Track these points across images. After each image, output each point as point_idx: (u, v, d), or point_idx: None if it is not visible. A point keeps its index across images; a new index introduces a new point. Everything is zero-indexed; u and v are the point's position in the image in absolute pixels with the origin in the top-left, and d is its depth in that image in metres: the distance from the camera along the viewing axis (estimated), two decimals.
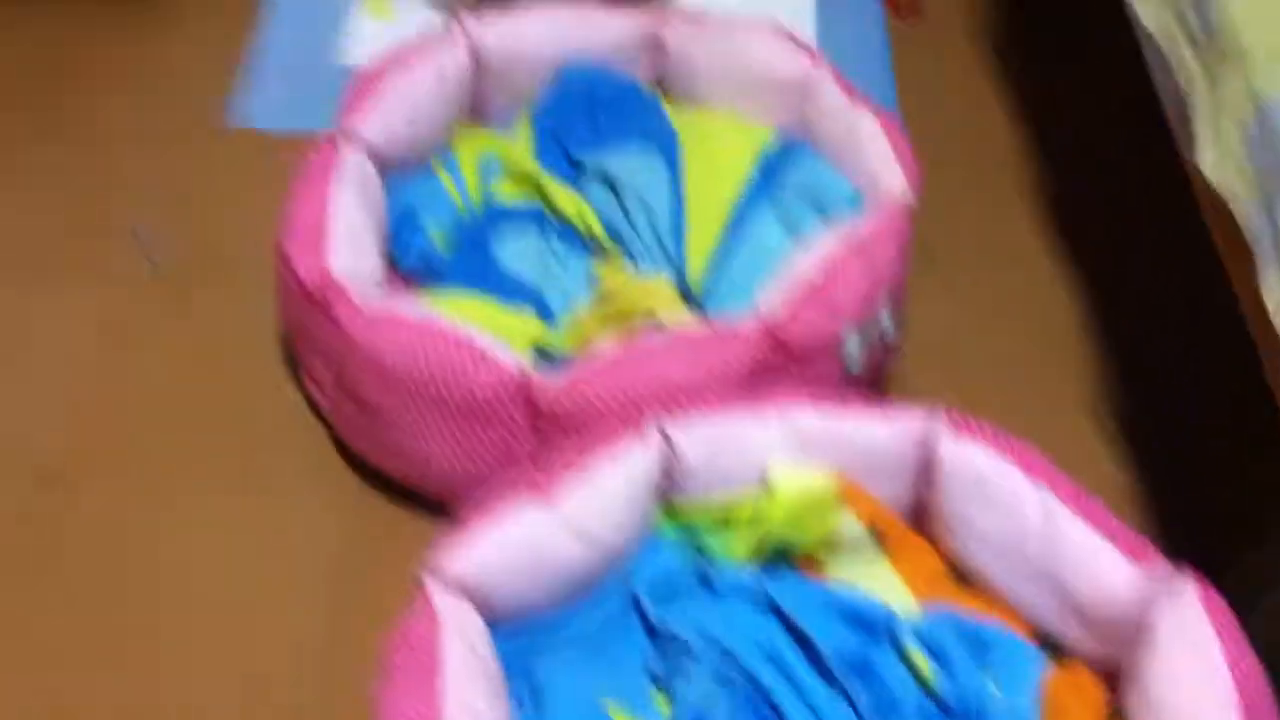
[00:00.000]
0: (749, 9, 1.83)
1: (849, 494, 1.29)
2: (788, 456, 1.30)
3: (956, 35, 2.13)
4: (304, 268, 1.43)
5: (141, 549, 1.45)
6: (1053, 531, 1.21)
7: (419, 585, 1.17)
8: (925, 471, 1.30)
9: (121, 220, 1.77)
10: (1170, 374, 1.66)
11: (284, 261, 1.46)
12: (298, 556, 1.44)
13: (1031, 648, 1.23)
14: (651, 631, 1.25)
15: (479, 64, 1.71)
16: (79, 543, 1.45)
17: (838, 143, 1.62)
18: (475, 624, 1.17)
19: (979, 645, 1.21)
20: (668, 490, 1.32)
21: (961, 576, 1.31)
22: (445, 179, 1.68)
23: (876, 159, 1.56)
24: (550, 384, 1.37)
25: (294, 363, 1.57)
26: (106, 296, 1.68)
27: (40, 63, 1.98)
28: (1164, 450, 1.58)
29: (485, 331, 1.41)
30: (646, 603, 1.24)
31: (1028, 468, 1.24)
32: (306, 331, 1.48)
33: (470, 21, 1.71)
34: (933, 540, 1.33)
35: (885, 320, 1.48)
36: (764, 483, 1.30)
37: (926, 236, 1.72)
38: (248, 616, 1.40)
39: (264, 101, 1.95)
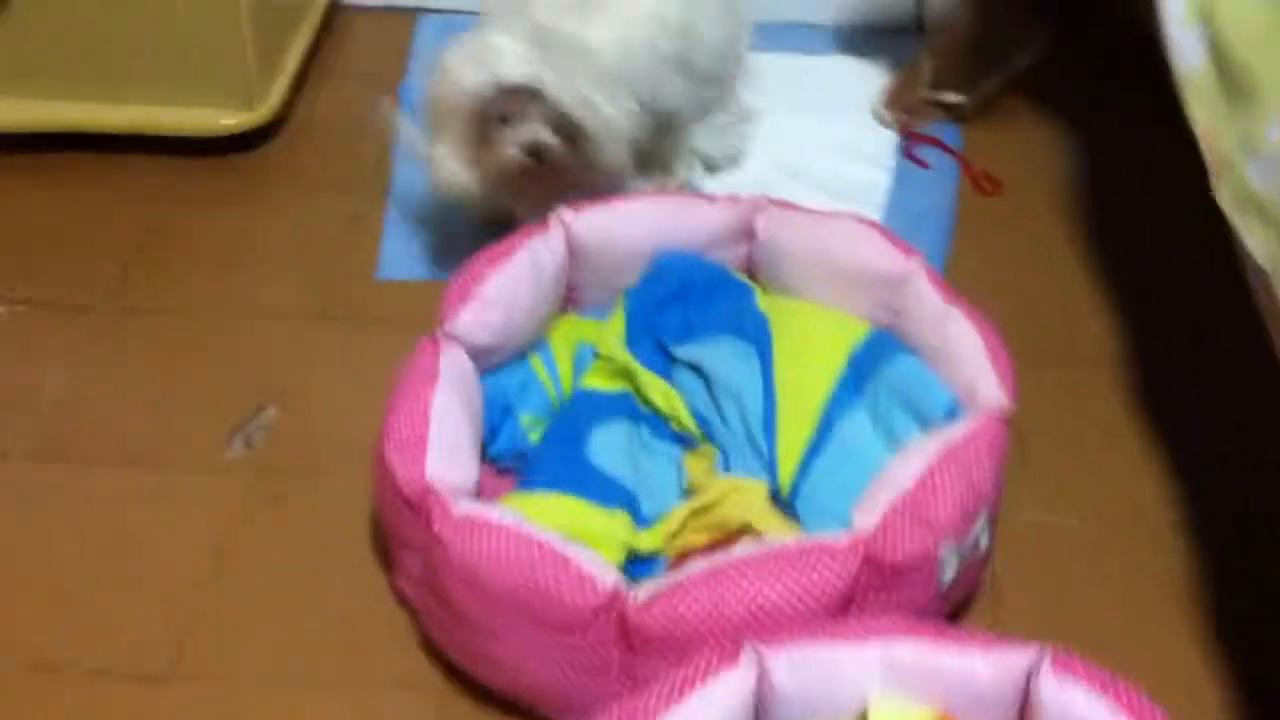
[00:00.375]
0: (824, 170, 2.02)
1: None
2: (886, 689, 1.27)
3: (1037, 211, 2.13)
4: (402, 475, 1.45)
5: None
6: None
7: None
8: (1024, 712, 1.26)
9: (224, 402, 1.80)
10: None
11: (383, 468, 1.48)
12: None
13: None
14: None
15: (574, 254, 1.74)
16: None
17: (932, 343, 1.62)
18: None
19: None
20: (760, 714, 1.30)
21: None
22: (539, 368, 1.70)
23: (973, 365, 1.55)
24: (643, 603, 1.36)
25: (386, 559, 1.58)
26: (210, 486, 1.70)
27: (153, 233, 2.06)
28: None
29: (577, 538, 1.41)
30: None
31: (1135, 715, 1.21)
32: (401, 533, 1.49)
33: (566, 212, 1.75)
34: None
35: (980, 532, 1.46)
36: (862, 712, 1.27)
37: (1018, 425, 1.71)
38: None
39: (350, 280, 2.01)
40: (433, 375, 1.53)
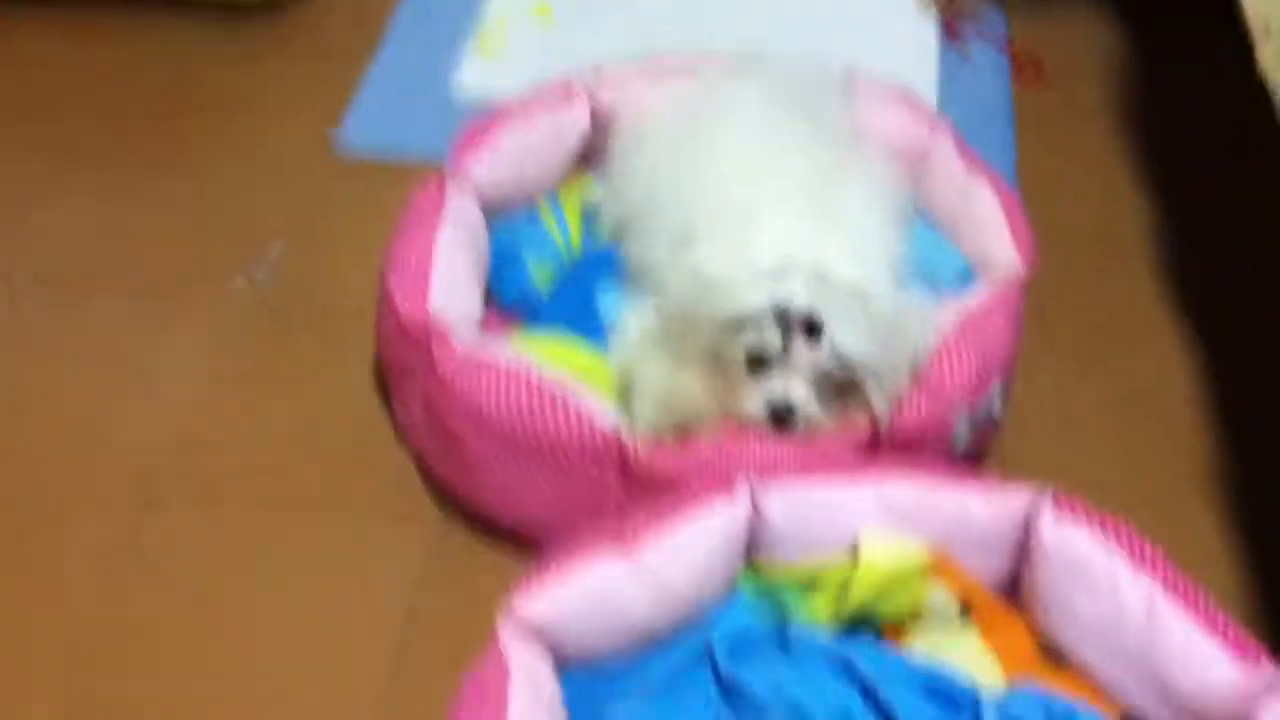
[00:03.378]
0: (871, 63, 1.81)
1: (941, 566, 1.25)
2: (880, 526, 1.26)
3: (1082, 101, 2.10)
4: (405, 308, 1.43)
5: (229, 574, 1.44)
6: (1155, 623, 1.16)
7: (493, 628, 1.15)
8: (1024, 550, 1.25)
9: (232, 247, 1.80)
10: None
11: (386, 300, 1.47)
12: (377, 586, 1.43)
13: None
14: (723, 686, 1.21)
15: (597, 123, 1.72)
16: (172, 565, 1.45)
17: (951, 212, 1.59)
18: (544, 670, 1.14)
19: None
20: (752, 551, 1.28)
21: (1054, 656, 1.25)
22: (550, 222, 1.68)
23: (989, 230, 1.53)
24: (645, 452, 1.34)
25: (387, 394, 1.57)
26: (215, 322, 1.70)
27: (157, 84, 2.06)
28: None
29: (578, 378, 1.39)
30: (720, 655, 1.21)
31: (1133, 555, 1.19)
32: (403, 367, 1.48)
33: (591, 79, 1.72)
34: (1027, 617, 1.27)
35: (994, 399, 1.43)
36: (853, 551, 1.26)
37: (1045, 311, 1.69)
38: (323, 643, 1.38)
39: (372, 130, 1.99)
40: (438, 213, 1.52)
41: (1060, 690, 1.20)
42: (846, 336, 1.31)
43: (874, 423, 1.36)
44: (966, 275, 1.53)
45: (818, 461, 1.32)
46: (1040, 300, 1.69)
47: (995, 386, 1.42)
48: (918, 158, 1.65)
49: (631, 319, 1.48)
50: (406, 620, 1.41)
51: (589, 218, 1.70)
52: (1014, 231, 1.52)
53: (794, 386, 1.33)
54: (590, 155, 1.74)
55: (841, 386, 1.34)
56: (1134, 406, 1.65)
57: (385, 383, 1.57)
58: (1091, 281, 1.80)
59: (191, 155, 1.96)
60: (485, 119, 1.65)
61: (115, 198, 1.88)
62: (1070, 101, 2.10)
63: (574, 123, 1.69)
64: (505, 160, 1.62)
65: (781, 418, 1.33)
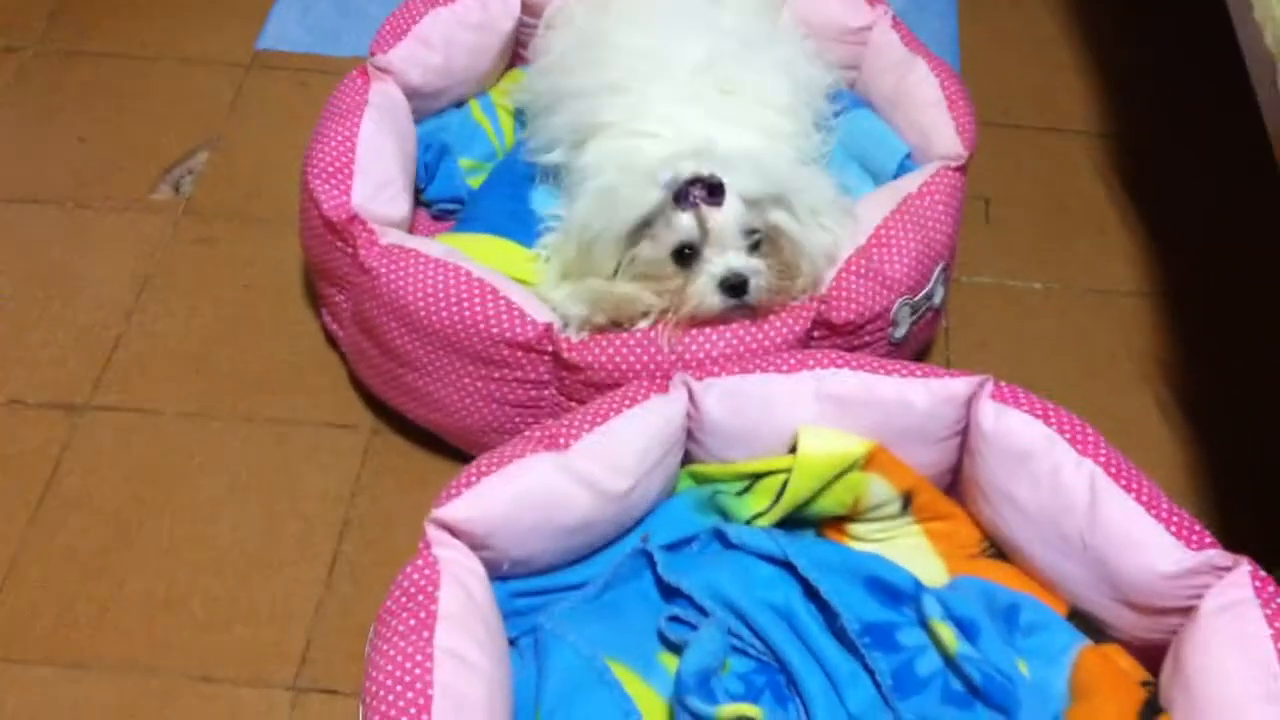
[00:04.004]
0: None
1: (881, 459, 1.22)
2: (820, 418, 1.23)
3: None
4: (327, 201, 1.38)
5: (156, 481, 1.41)
6: (1098, 509, 1.13)
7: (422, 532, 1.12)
8: (965, 439, 1.22)
9: (156, 154, 1.73)
10: (1242, 353, 1.56)
11: (307, 194, 1.41)
12: (309, 497, 1.40)
13: (1066, 624, 1.15)
14: (664, 590, 1.18)
15: (529, 10, 1.65)
16: (97, 475, 1.41)
17: (891, 97, 1.54)
18: (475, 572, 1.11)
19: (1010, 619, 1.14)
20: (691, 450, 1.25)
21: (998, 549, 1.23)
22: (481, 119, 1.62)
23: (930, 113, 1.48)
24: (579, 341, 1.30)
25: (315, 297, 1.52)
26: (141, 231, 1.65)
27: None
28: (1230, 433, 1.48)
29: (508, 274, 1.35)
30: (659, 559, 1.18)
31: (1075, 440, 1.16)
32: (328, 265, 1.42)
33: None
34: (969, 510, 1.25)
35: (935, 286, 1.40)
36: (792, 444, 1.23)
37: (987, 194, 1.66)
38: (256, 555, 1.35)
39: (298, 29, 1.91)
40: (360, 105, 1.46)
41: (1004, 584, 1.19)
42: (748, 180, 1.28)
43: (813, 307, 1.32)
44: (910, 166, 1.49)
45: (755, 354, 1.28)
46: (982, 189, 1.66)
47: (937, 273, 1.38)
48: (855, 40, 1.60)
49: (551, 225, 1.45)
50: (340, 528, 1.37)
51: (523, 116, 1.65)
52: (955, 113, 1.47)
53: (732, 256, 1.29)
54: (524, 50, 1.68)
55: (774, 258, 1.31)
56: (1077, 296, 1.62)
57: (315, 288, 1.52)
58: (1032, 167, 1.76)
59: (109, 54, 1.88)
60: (410, 5, 1.58)
61: (30, 105, 1.81)
62: None
63: (504, 8, 1.63)
64: (432, 50, 1.56)
65: (736, 287, 1.28)
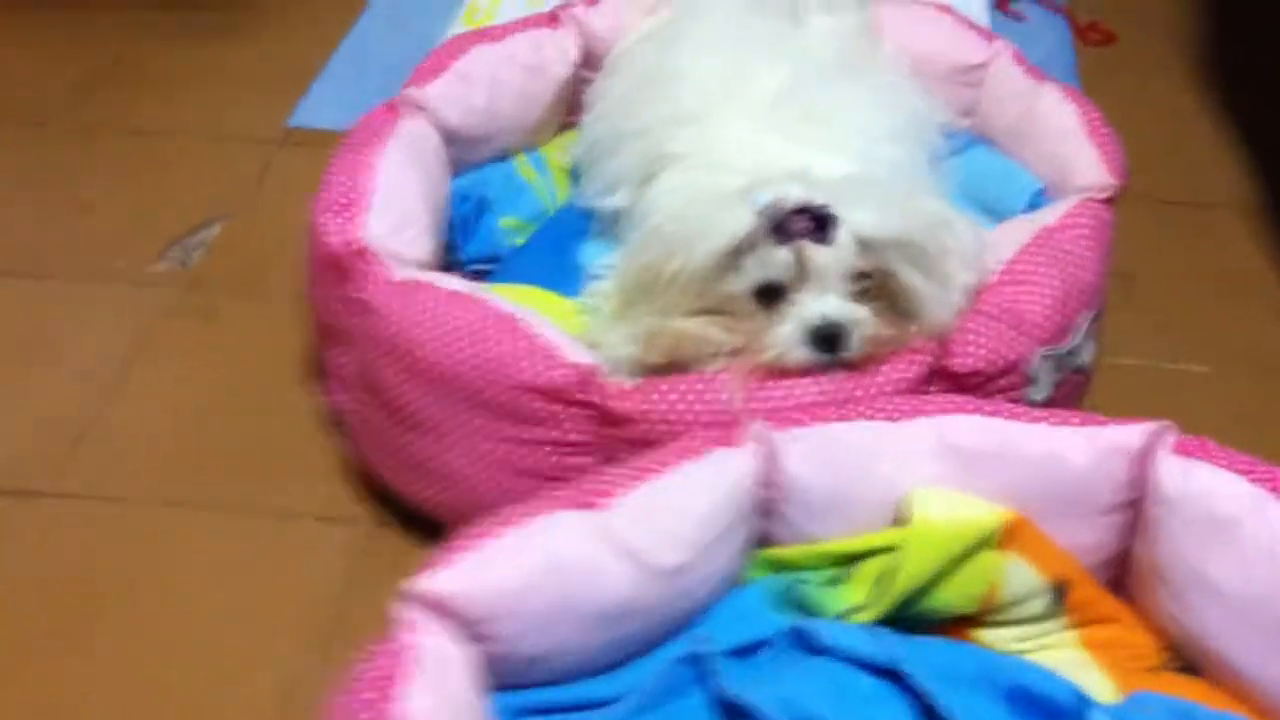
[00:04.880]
0: None
1: (1025, 535, 0.91)
2: (940, 480, 0.93)
3: (1158, 57, 1.81)
4: (333, 232, 1.14)
5: (123, 577, 1.15)
6: None
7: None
8: (1137, 511, 0.91)
9: (166, 226, 1.53)
10: None
11: (312, 232, 1.17)
12: (295, 588, 1.13)
13: None
14: (726, 711, 0.87)
15: (587, 56, 1.44)
16: (57, 564, 1.16)
17: (1017, 130, 1.28)
18: (462, 666, 0.81)
19: None
20: (764, 524, 0.96)
21: (1188, 662, 0.91)
22: (529, 174, 1.39)
23: (1067, 143, 1.22)
24: (627, 389, 1.03)
25: (320, 377, 1.27)
26: (139, 303, 1.43)
27: (119, 64, 1.83)
28: None
29: (544, 316, 1.09)
30: (718, 665, 0.87)
31: None
32: (332, 316, 1.17)
33: (582, 8, 1.45)
34: (1143, 609, 0.93)
35: (1082, 341, 1.11)
36: (901, 515, 0.93)
37: (1125, 267, 1.39)
38: (226, 661, 1.07)
39: (334, 105, 1.72)
40: (383, 138, 1.23)
41: (1203, 704, 0.86)
42: (867, 215, 1.00)
43: (929, 350, 1.04)
44: (1040, 201, 1.22)
45: (855, 401, 1.00)
46: (1120, 265, 1.40)
47: (1083, 322, 1.10)
48: (969, 80, 1.35)
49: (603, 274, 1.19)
50: (324, 629, 1.09)
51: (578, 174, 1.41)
52: (1097, 141, 1.21)
53: (829, 300, 1.01)
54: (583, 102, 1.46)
55: (885, 303, 1.03)
56: (1255, 379, 1.31)
57: (320, 364, 1.27)
58: (1174, 239, 1.49)
59: (136, 129, 1.70)
60: (452, 43, 1.37)
61: (44, 178, 1.63)
62: (1142, 63, 1.80)
63: (560, 53, 1.41)
64: (474, 88, 1.34)
65: (830, 339, 1.01)
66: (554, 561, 0.85)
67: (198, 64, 1.82)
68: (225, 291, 1.44)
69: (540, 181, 1.39)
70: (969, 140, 1.32)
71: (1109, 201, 1.17)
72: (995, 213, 1.23)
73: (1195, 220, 1.52)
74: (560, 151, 1.43)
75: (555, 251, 1.28)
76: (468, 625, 0.83)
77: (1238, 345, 1.35)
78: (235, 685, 1.06)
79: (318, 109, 1.71)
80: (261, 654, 1.08)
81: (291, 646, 1.08)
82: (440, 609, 0.82)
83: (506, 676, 0.86)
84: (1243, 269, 1.45)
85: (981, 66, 1.35)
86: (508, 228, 1.34)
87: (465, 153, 1.35)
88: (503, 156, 1.40)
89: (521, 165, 1.40)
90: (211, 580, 1.14)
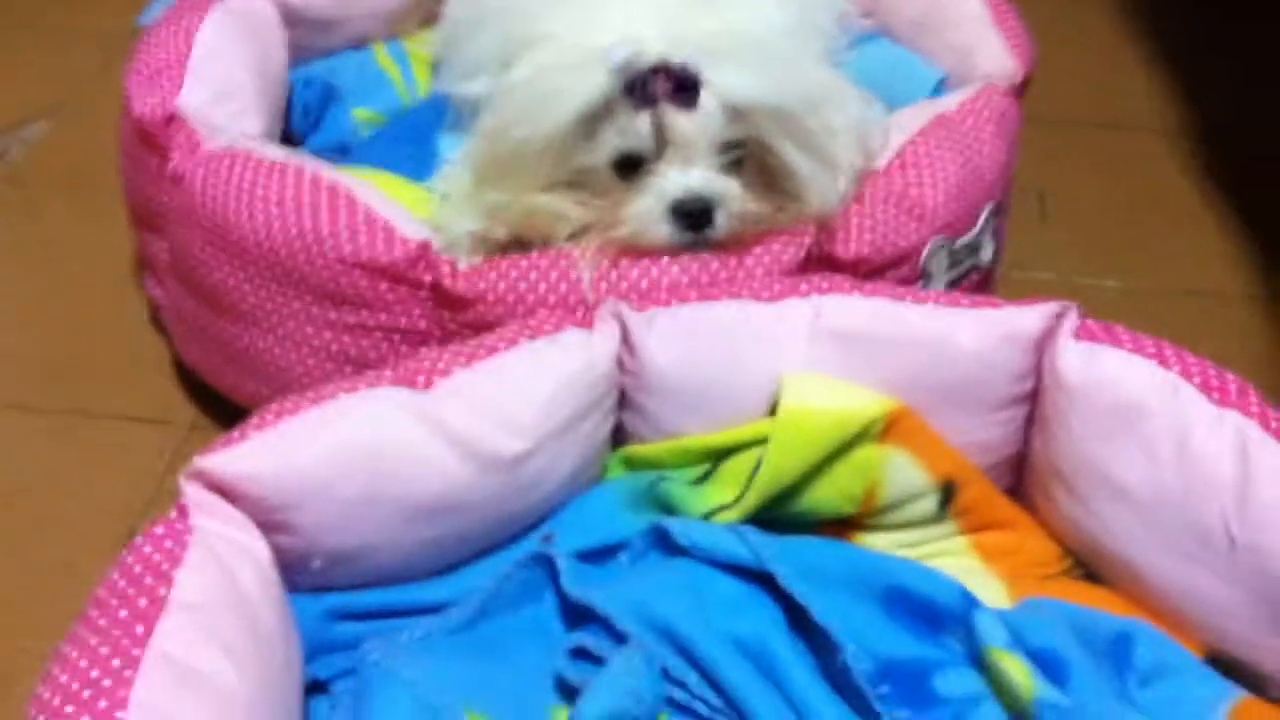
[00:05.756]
0: None
1: (908, 427, 0.80)
2: (816, 365, 0.82)
3: None
4: (140, 98, 1.01)
5: None
6: (1253, 486, 0.71)
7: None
8: (1035, 402, 0.81)
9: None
10: None
11: (123, 107, 1.04)
12: (105, 493, 1.00)
13: (1210, 671, 0.72)
14: (572, 615, 0.76)
15: None
16: None
17: (920, 18, 1.18)
18: (252, 555, 0.68)
19: (1118, 657, 0.71)
20: (624, 417, 0.84)
21: (1089, 570, 0.81)
22: (386, 62, 1.26)
23: (971, 30, 1.12)
24: (467, 269, 0.91)
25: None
26: None
27: None
28: None
29: (379, 194, 0.96)
30: (563, 566, 0.76)
31: (1210, 388, 0.75)
32: (143, 195, 1.04)
33: None
34: (1041, 514, 0.83)
35: (982, 235, 1.01)
36: (772, 406, 0.82)
37: (1040, 188, 1.31)
38: (40, 556, 0.96)
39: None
40: (207, 4, 1.10)
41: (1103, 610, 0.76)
42: (737, 77, 0.88)
43: (809, 234, 0.92)
44: (941, 90, 1.12)
45: (731, 283, 0.88)
46: (1034, 184, 1.31)
47: (985, 215, 0.99)
48: None
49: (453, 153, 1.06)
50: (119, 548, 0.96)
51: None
52: (1003, 28, 1.11)
53: (694, 173, 0.90)
54: None
55: (759, 178, 0.92)
56: (1171, 297, 1.23)
57: (140, 255, 1.14)
58: (1097, 165, 1.40)
59: None
60: None
61: None
62: None
63: None
64: None
65: (694, 215, 0.89)
66: (364, 444, 0.73)
67: None
68: (49, 188, 1.30)
69: (399, 73, 1.27)
70: (866, 36, 1.21)
71: (1016, 92, 1.07)
72: (894, 105, 1.12)
73: (1109, 142, 1.43)
74: (422, 44, 1.30)
75: (411, 141, 1.15)
76: (261, 513, 0.71)
77: (1151, 261, 1.26)
78: (40, 593, 0.93)
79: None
80: (67, 562, 0.95)
81: (99, 556, 0.95)
82: (229, 492, 0.70)
83: (301, 574, 0.74)
84: (1157, 189, 1.37)
85: None
86: (360, 119, 1.21)
87: (313, 36, 1.22)
88: (359, 45, 1.27)
89: (379, 54, 1.27)
90: (20, 483, 1.01)
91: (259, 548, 0.70)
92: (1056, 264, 1.25)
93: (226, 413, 1.03)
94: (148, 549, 0.66)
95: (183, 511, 0.69)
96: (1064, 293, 1.19)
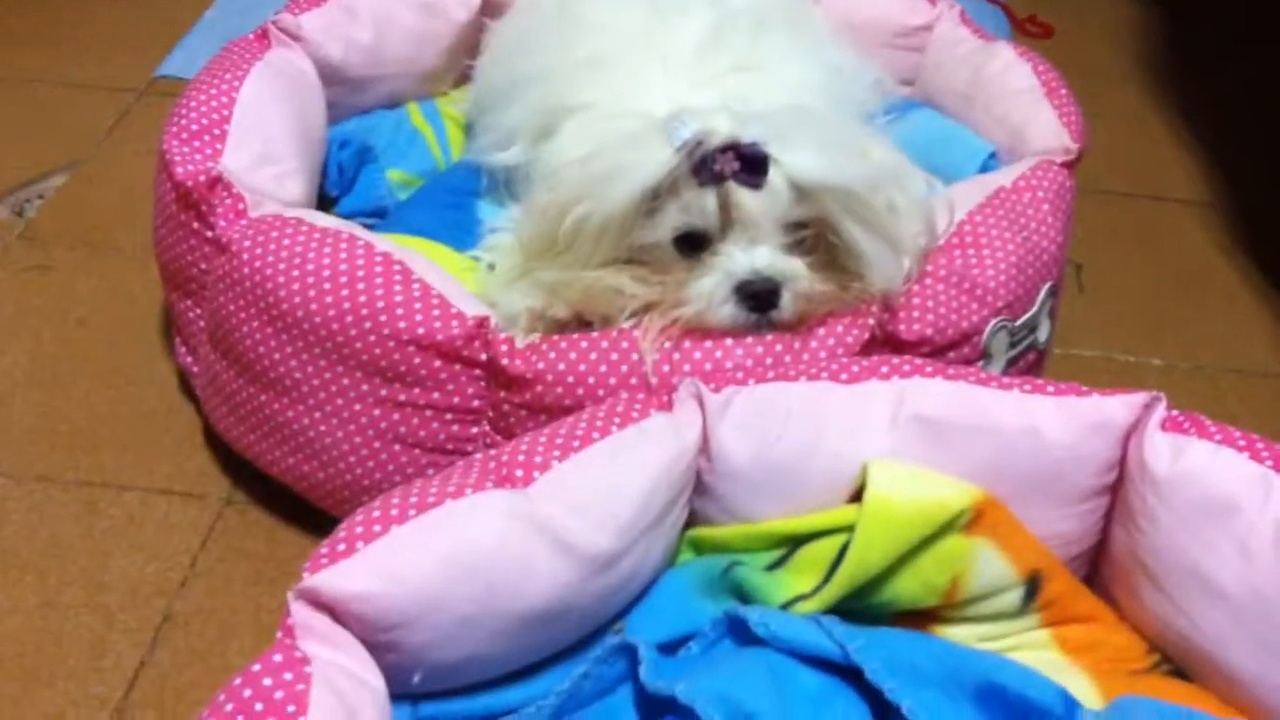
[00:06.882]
0: None
1: (995, 519, 0.78)
2: (899, 452, 0.80)
3: (1096, 51, 1.74)
4: (183, 161, 0.98)
5: None
6: None
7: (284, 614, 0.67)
8: (1117, 497, 0.79)
9: (8, 168, 1.37)
10: None
11: (161, 166, 1.01)
12: (136, 570, 0.95)
13: None
14: (648, 706, 0.73)
15: (489, 2, 1.29)
16: None
17: (967, 90, 1.17)
18: (368, 685, 0.65)
19: None
20: (695, 508, 0.82)
21: (1176, 665, 0.79)
22: (424, 128, 1.24)
23: (1022, 103, 1.11)
24: (526, 345, 0.88)
25: (171, 337, 1.10)
26: None
27: None
28: None
29: (433, 266, 0.93)
30: (645, 660, 0.73)
31: None
32: (180, 260, 1.00)
33: None
34: (1125, 606, 0.81)
35: (1040, 314, 0.99)
36: (852, 491, 0.80)
37: (1078, 260, 1.30)
38: (70, 634, 0.91)
39: (204, 53, 1.54)
40: (248, 63, 1.07)
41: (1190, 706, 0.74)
42: (805, 157, 0.86)
43: (872, 314, 0.90)
44: (995, 168, 1.11)
45: (796, 363, 0.86)
46: (1071, 255, 1.30)
47: (1043, 296, 0.98)
48: (911, 44, 1.24)
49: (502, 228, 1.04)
50: (167, 623, 0.92)
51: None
52: (1055, 102, 1.10)
53: (760, 252, 0.88)
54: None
55: (823, 258, 0.90)
56: (1211, 375, 1.21)
57: (169, 322, 1.10)
58: (1135, 237, 1.39)
59: None
60: None
61: None
62: (1077, 50, 1.72)
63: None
64: (360, 24, 1.19)
65: (759, 296, 0.87)
66: (476, 556, 0.69)
67: (65, 18, 1.66)
68: (66, 245, 1.26)
69: (433, 133, 1.24)
70: (909, 105, 1.20)
71: (1069, 167, 1.05)
72: (943, 177, 1.11)
73: (1141, 214, 1.42)
74: (454, 104, 1.28)
75: (448, 206, 1.13)
76: (369, 634, 0.67)
77: (1192, 339, 1.25)
78: (71, 673, 0.89)
79: (190, 60, 1.54)
80: (97, 643, 0.91)
81: (129, 636, 0.91)
82: (343, 613, 0.66)
83: (401, 687, 0.70)
84: (1193, 263, 1.36)
85: (924, 29, 1.24)
86: (395, 181, 1.19)
87: (350, 95, 1.20)
88: (393, 104, 1.25)
89: (414, 114, 1.25)
90: (48, 558, 0.97)
91: (376, 683, 0.66)
92: (1098, 340, 1.24)
93: (263, 486, 1.00)
94: (267, 681, 0.62)
95: (289, 633, 0.65)
96: (1110, 371, 1.20)
